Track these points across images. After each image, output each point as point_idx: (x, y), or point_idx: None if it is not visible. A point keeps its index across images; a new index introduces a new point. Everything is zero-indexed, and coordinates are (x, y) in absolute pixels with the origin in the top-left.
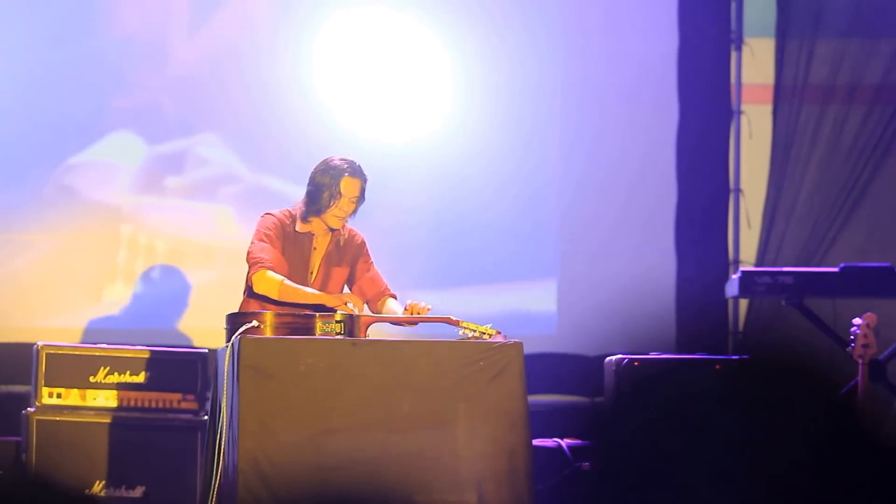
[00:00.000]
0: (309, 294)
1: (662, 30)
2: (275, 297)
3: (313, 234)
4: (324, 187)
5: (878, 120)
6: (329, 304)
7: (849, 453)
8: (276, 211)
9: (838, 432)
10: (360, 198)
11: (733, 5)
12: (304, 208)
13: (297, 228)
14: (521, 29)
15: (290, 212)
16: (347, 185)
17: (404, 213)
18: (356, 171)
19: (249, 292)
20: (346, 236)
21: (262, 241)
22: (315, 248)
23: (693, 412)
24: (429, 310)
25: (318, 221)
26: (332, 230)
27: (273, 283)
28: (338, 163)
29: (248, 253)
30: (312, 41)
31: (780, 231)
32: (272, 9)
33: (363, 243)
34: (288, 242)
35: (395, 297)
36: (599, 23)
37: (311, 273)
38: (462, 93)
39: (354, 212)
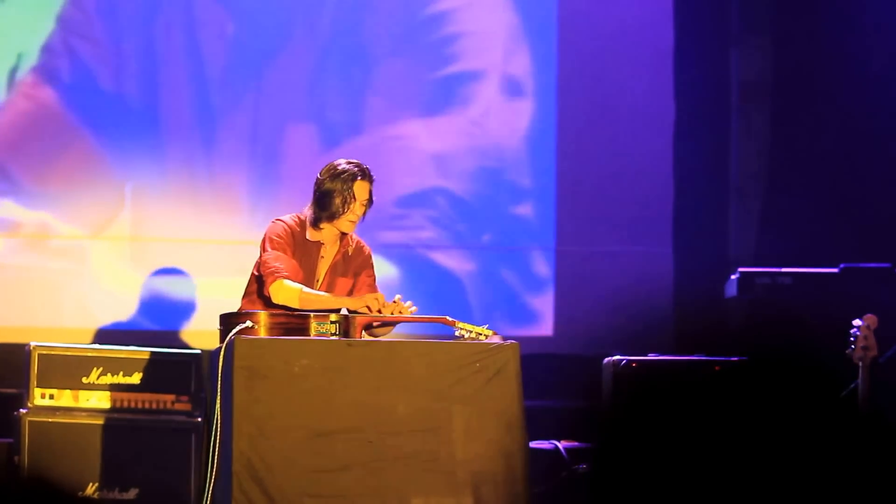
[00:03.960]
0: (330, 300)
1: (659, 26)
2: (296, 305)
3: (322, 244)
4: (336, 192)
5: (877, 115)
6: (352, 308)
7: (847, 454)
8: (285, 217)
9: (836, 434)
10: (370, 200)
11: (731, 1)
12: (313, 215)
13: (307, 236)
14: (517, 26)
15: (299, 218)
16: (360, 189)
17: (403, 219)
18: (366, 174)
19: (261, 296)
20: (354, 247)
21: (274, 249)
22: (322, 257)
23: (691, 413)
24: (413, 310)
25: (330, 228)
26: (342, 237)
27: (293, 291)
28: (347, 166)
29: (263, 263)
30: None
31: (779, 230)
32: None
33: (369, 256)
34: (297, 249)
35: None
36: (595, 20)
37: (317, 281)
38: (459, 92)
39: (364, 215)
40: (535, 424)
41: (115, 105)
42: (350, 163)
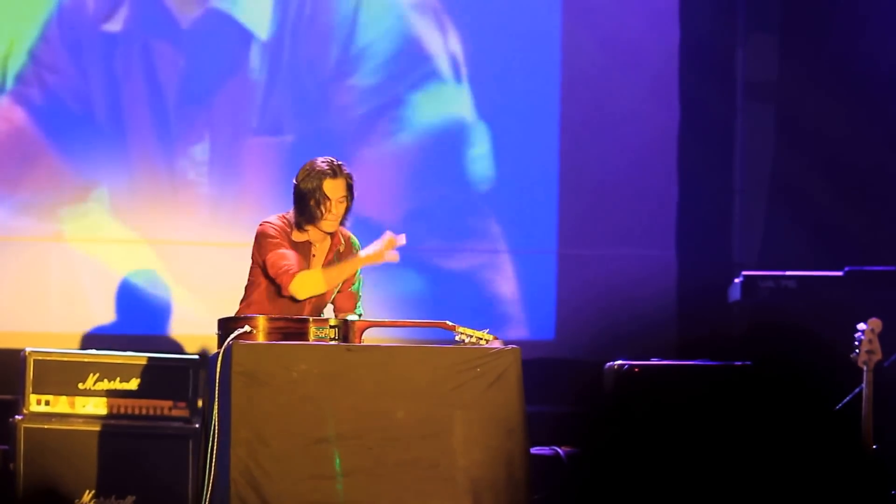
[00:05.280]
0: (347, 266)
1: (664, 26)
2: (323, 289)
3: (311, 243)
4: (308, 195)
5: (884, 115)
6: (368, 264)
7: (843, 462)
8: (272, 218)
9: (834, 442)
10: (349, 196)
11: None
12: (295, 219)
13: (293, 238)
14: (520, 23)
15: (286, 218)
16: (331, 188)
17: (402, 217)
18: (337, 171)
19: (259, 301)
20: (345, 244)
21: (276, 249)
22: (314, 256)
23: (694, 418)
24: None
25: (312, 229)
26: (331, 235)
27: (314, 277)
28: (317, 166)
29: (270, 266)
30: None
31: (783, 233)
32: None
33: (359, 249)
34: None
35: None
36: (599, 18)
37: None
38: (458, 90)
39: (348, 210)
40: (536, 430)
41: (85, 122)
42: (324, 161)
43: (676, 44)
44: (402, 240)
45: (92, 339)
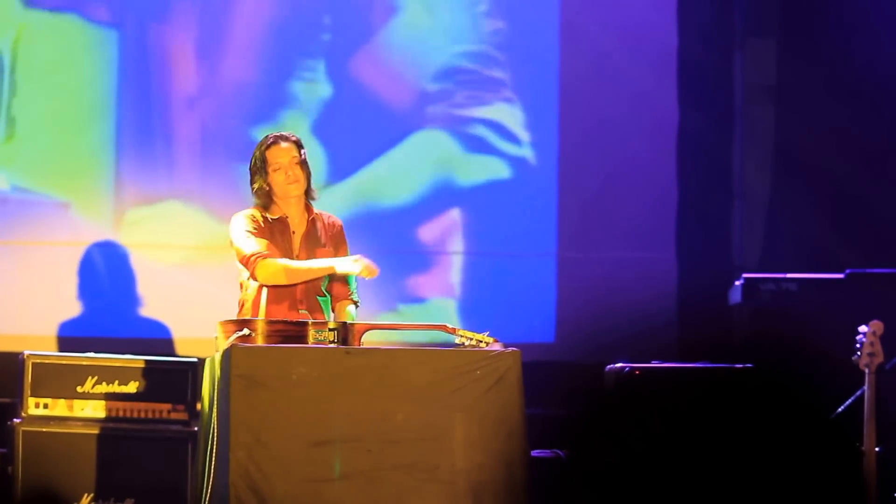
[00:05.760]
0: (316, 268)
1: (662, 30)
2: (283, 281)
3: (286, 217)
4: (256, 171)
5: (883, 119)
6: (340, 270)
7: (841, 466)
8: (243, 210)
9: (832, 445)
10: (301, 158)
11: (735, 4)
12: (261, 198)
13: (269, 215)
14: (518, 29)
15: (256, 207)
16: (280, 153)
17: (398, 221)
18: (280, 137)
19: (244, 299)
20: (326, 221)
21: (247, 237)
22: (294, 232)
23: (695, 421)
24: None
25: (284, 203)
26: (307, 210)
27: (277, 268)
28: (261, 140)
29: (239, 252)
30: None
31: (784, 236)
32: None
33: (342, 230)
34: (267, 231)
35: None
36: (597, 24)
37: (296, 257)
38: (459, 93)
39: (308, 174)
40: (537, 433)
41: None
42: (268, 134)
43: (675, 48)
44: (374, 272)
45: (90, 342)
